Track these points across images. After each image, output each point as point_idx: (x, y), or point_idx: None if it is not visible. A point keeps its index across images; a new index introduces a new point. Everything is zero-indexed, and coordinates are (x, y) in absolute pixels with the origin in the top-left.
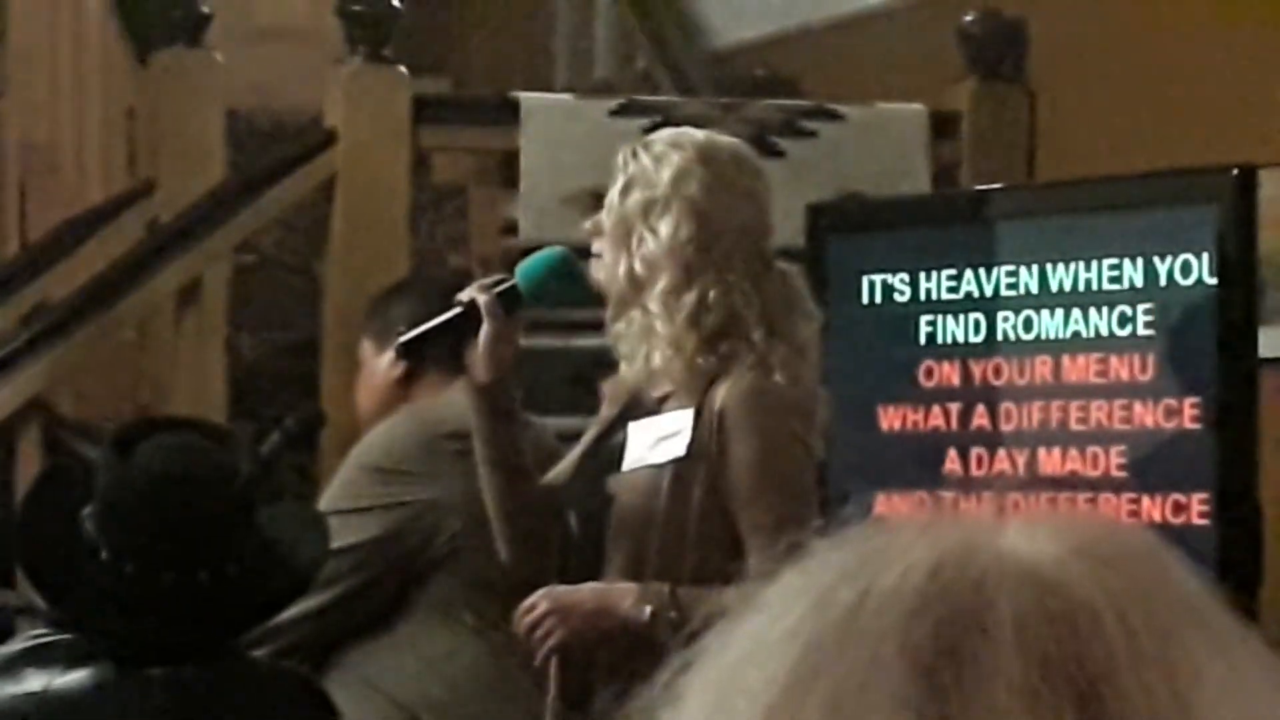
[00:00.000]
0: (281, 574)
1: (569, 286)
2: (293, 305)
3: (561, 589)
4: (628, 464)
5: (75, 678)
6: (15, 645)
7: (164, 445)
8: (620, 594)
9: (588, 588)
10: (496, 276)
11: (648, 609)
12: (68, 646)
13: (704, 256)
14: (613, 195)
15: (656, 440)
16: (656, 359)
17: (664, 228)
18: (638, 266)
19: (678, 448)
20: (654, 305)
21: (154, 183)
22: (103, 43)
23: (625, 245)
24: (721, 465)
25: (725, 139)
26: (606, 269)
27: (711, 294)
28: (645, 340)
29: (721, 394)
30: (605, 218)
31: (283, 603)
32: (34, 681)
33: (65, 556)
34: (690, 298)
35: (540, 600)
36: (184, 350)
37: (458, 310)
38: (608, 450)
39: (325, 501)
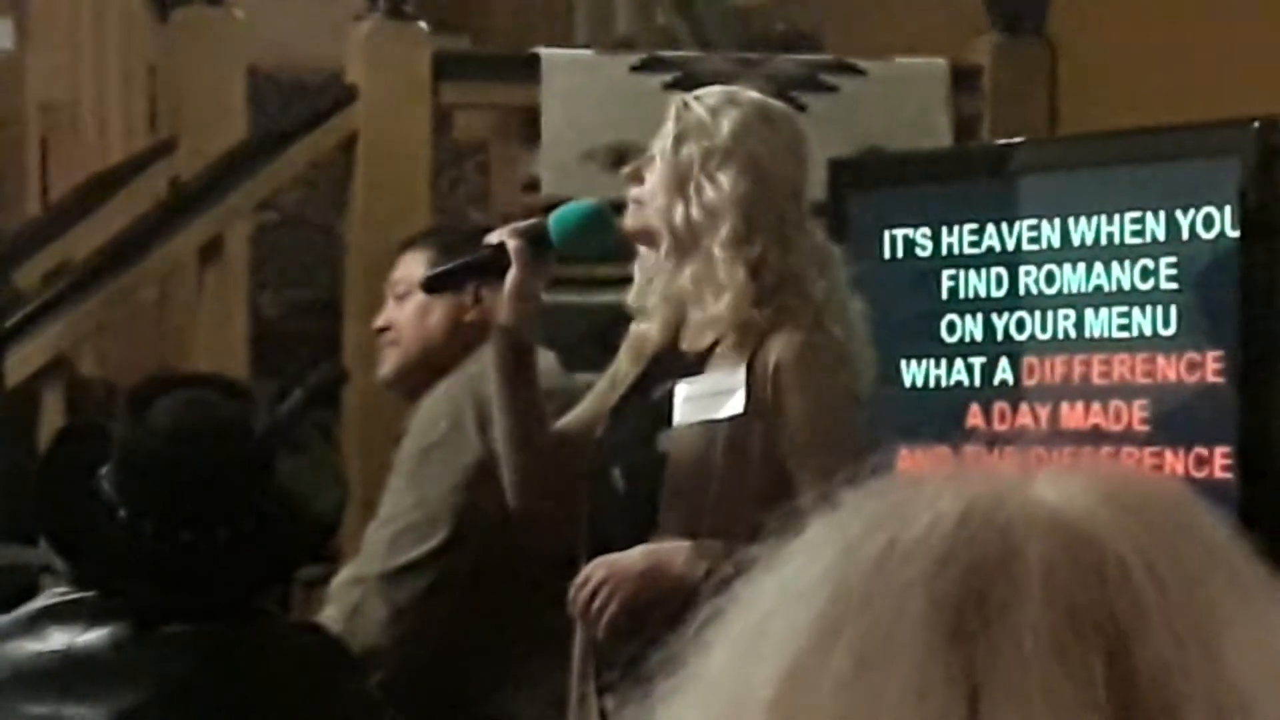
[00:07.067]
0: (300, 529)
1: (601, 240)
2: (314, 263)
3: (613, 556)
4: (679, 420)
5: (97, 636)
6: (38, 603)
7: (180, 402)
8: (672, 553)
9: (638, 550)
10: (530, 221)
11: (703, 566)
12: (90, 605)
13: (763, 211)
14: (664, 144)
15: (707, 396)
16: (717, 306)
17: (724, 178)
18: (696, 213)
19: (735, 404)
20: (718, 251)
21: (175, 141)
22: (123, 0)
23: (681, 192)
24: (778, 420)
25: (774, 101)
26: (660, 213)
27: (772, 250)
28: (701, 287)
29: (776, 349)
30: (658, 162)
31: (301, 558)
32: (56, 639)
33: (83, 516)
34: (753, 250)
35: (593, 571)
36: (206, 309)
37: (487, 252)
38: (648, 406)
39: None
